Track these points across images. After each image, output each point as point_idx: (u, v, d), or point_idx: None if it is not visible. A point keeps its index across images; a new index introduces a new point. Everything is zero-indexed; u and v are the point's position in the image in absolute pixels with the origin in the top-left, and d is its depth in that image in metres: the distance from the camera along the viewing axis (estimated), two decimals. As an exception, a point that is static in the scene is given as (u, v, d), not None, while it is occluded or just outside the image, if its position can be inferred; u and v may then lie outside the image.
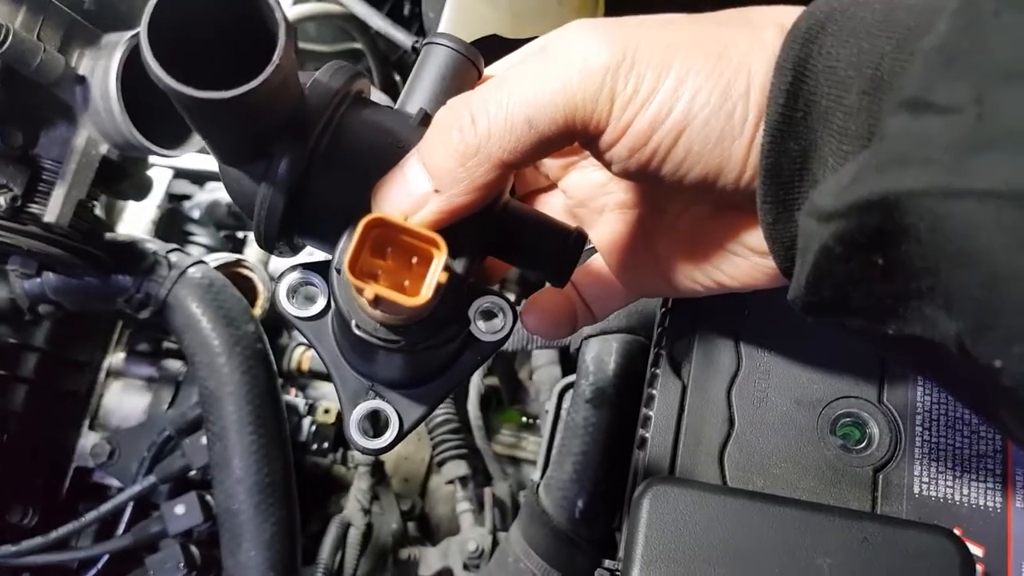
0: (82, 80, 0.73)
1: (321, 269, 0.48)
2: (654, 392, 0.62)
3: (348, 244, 0.39)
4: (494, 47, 0.74)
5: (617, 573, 0.57)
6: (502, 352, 1.13)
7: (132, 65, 0.73)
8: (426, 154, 0.42)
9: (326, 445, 1.02)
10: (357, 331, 0.42)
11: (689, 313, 0.64)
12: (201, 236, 1.14)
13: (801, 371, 0.61)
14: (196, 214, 1.18)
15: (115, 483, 0.96)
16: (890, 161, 0.32)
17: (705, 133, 0.39)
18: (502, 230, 0.47)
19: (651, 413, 0.61)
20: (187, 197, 1.26)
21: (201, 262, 0.85)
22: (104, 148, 0.76)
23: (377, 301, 0.38)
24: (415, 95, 0.48)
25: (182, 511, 0.85)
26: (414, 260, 0.40)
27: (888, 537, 0.52)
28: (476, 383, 1.11)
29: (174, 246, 0.86)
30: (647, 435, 0.61)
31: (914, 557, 0.50)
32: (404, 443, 1.23)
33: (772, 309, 0.63)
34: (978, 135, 0.29)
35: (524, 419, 1.19)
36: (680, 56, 0.39)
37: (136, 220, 1.08)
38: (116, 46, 0.72)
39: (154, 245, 0.85)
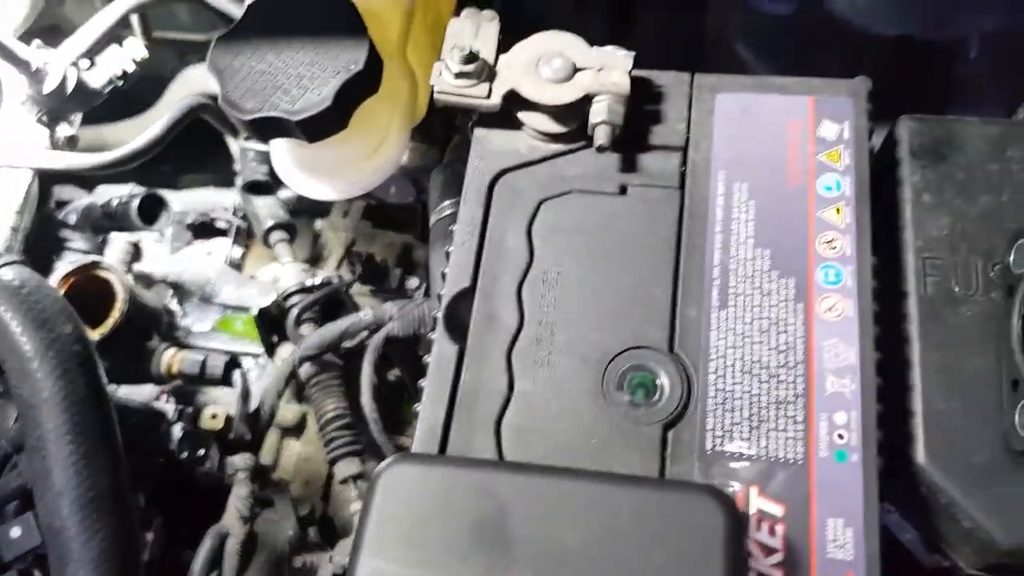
0: None
1: None
2: (428, 360, 0.55)
3: None
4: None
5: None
6: (400, 341, 1.07)
7: None
8: None
9: (200, 452, 0.97)
10: None
11: (470, 269, 0.57)
12: (77, 241, 1.09)
13: (587, 324, 0.54)
14: (72, 219, 1.13)
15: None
16: None
17: None
18: None
19: (423, 384, 0.54)
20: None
21: (15, 263, 0.80)
22: None
23: None
24: None
25: (18, 534, 0.80)
26: None
27: (649, 503, 0.45)
28: (368, 375, 1.04)
29: (-17, 253, 0.81)
30: (418, 409, 0.54)
31: (674, 523, 0.44)
32: (305, 444, 1.16)
33: (558, 255, 0.57)
34: None
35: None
36: None
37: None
38: None
39: (-40, 253, 0.80)
